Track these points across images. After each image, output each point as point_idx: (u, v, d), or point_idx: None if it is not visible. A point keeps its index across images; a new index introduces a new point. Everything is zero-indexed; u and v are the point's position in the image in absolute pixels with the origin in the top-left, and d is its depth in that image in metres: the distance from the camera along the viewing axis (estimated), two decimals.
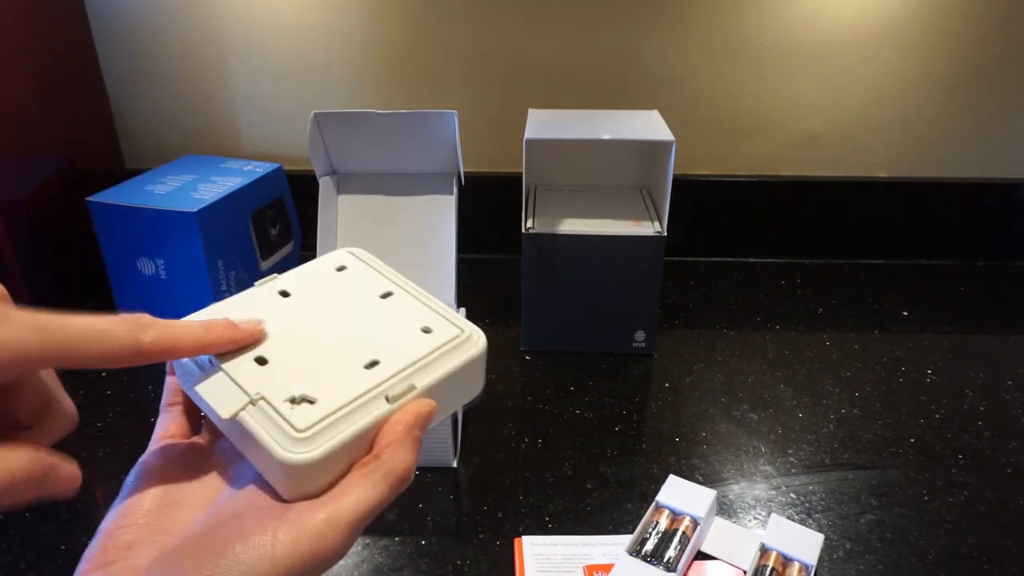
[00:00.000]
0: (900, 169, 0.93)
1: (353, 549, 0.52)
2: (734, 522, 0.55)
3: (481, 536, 0.54)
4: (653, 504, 0.54)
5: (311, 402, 0.29)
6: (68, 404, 0.28)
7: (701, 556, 0.52)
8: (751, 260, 0.95)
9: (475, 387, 0.35)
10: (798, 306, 0.85)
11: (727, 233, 0.95)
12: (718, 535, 0.53)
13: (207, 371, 0.30)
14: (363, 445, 0.29)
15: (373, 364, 0.31)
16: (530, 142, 0.69)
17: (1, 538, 0.53)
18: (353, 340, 0.33)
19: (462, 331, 0.33)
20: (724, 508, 0.57)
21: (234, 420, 0.29)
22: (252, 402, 0.29)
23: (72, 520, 0.55)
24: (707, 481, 0.59)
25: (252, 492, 0.29)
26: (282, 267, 0.89)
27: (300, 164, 0.90)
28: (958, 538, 0.54)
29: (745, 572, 0.50)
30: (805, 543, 0.51)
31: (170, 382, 0.34)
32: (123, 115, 0.91)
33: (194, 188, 0.78)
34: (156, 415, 0.34)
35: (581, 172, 0.82)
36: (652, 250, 0.70)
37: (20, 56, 0.73)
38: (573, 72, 0.88)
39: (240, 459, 0.31)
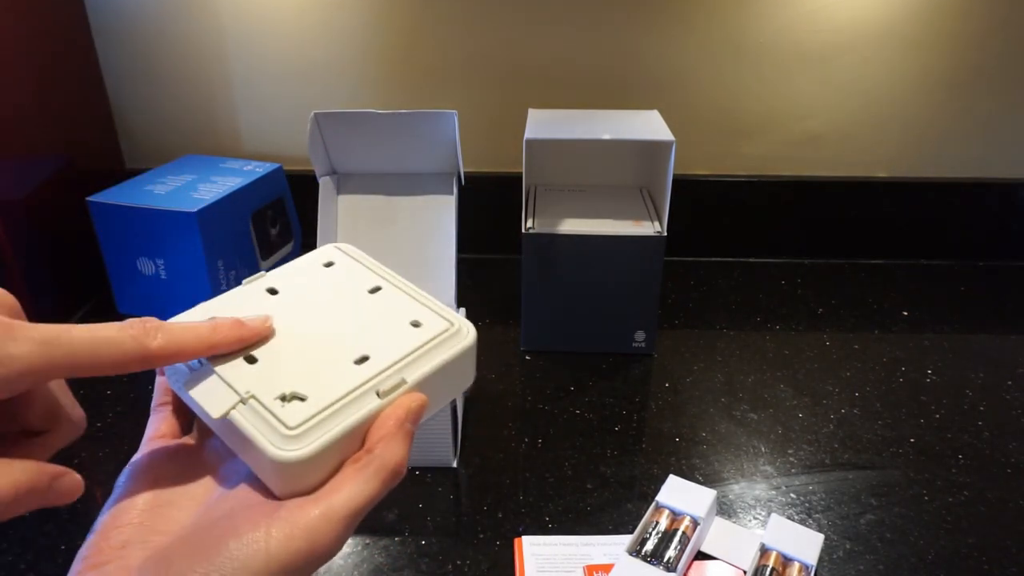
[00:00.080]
0: (900, 169, 0.93)
1: (353, 549, 0.52)
2: (734, 522, 0.55)
3: (481, 536, 0.54)
4: (653, 504, 0.54)
5: (302, 399, 0.29)
6: (76, 410, 0.28)
7: (701, 556, 0.52)
8: (751, 260, 0.95)
9: (466, 380, 0.35)
10: (798, 306, 0.85)
11: (727, 233, 0.95)
12: (718, 535, 0.53)
13: (197, 371, 0.30)
14: (355, 441, 0.29)
15: (363, 359, 0.31)
16: (530, 142, 0.69)
17: (1, 538, 0.53)
18: (342, 336, 0.32)
19: (451, 324, 0.33)
20: (724, 508, 0.57)
21: (225, 419, 0.29)
22: (243, 401, 0.29)
23: (72, 520, 0.55)
24: (707, 481, 0.59)
25: (244, 490, 0.29)
26: None
27: (300, 164, 0.90)
28: (958, 538, 0.54)
29: (745, 572, 0.50)
30: (805, 543, 0.51)
31: (160, 382, 0.34)
32: (123, 115, 0.91)
33: (194, 188, 0.78)
34: None
35: (581, 172, 0.82)
36: (652, 250, 0.70)
37: (20, 56, 0.73)
38: (573, 72, 0.88)
39: (232, 458, 0.31)
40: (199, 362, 0.31)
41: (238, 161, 0.87)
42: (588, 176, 0.82)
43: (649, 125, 0.74)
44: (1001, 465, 0.61)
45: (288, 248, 0.90)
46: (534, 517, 0.55)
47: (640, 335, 0.74)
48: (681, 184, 0.77)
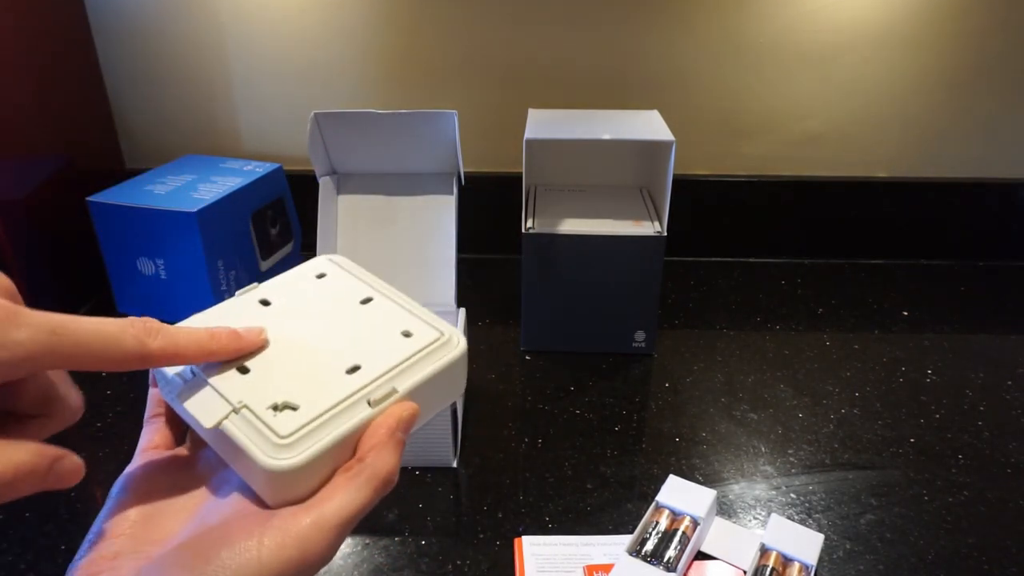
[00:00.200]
0: (900, 169, 0.93)
1: (353, 549, 0.52)
2: (734, 522, 0.55)
3: (481, 536, 0.54)
4: (653, 504, 0.54)
5: (293, 408, 0.29)
6: (73, 395, 0.28)
7: (701, 556, 0.52)
8: (751, 260, 0.95)
9: (457, 389, 0.35)
10: (798, 306, 0.85)
11: (727, 233, 0.95)
12: (718, 535, 0.53)
13: (190, 382, 0.31)
14: (346, 450, 0.29)
15: (354, 369, 0.31)
16: (530, 142, 0.69)
17: (1, 538, 0.53)
18: (334, 346, 0.33)
19: (442, 334, 0.34)
20: (724, 508, 0.57)
21: (217, 429, 0.29)
22: (235, 411, 0.29)
23: (72, 520, 0.55)
24: (707, 481, 0.59)
25: (236, 500, 0.29)
26: (282, 267, 0.89)
27: (300, 164, 0.90)
28: (958, 538, 0.54)
29: (745, 572, 0.50)
30: (805, 543, 0.51)
31: (153, 394, 0.34)
32: (123, 115, 0.91)
33: (194, 188, 0.78)
34: None
35: (581, 172, 0.82)
36: (652, 250, 0.70)
37: (20, 56, 0.73)
38: (573, 72, 0.88)
39: (224, 468, 0.31)
40: (192, 373, 0.31)
41: (238, 161, 0.87)
42: (588, 176, 0.82)
43: (649, 125, 0.74)
44: (1001, 465, 0.61)
45: (288, 248, 0.90)
46: (534, 517, 0.55)
47: (640, 335, 0.74)
48: (681, 184, 0.77)
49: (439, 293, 0.67)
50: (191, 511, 0.30)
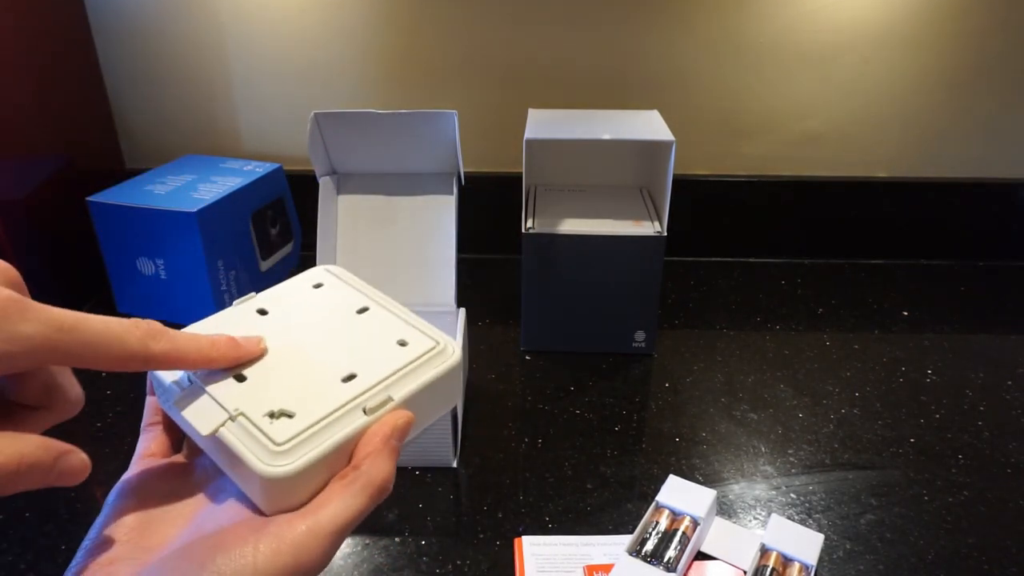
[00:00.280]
0: (900, 169, 0.93)
1: (353, 549, 0.52)
2: (734, 522, 0.55)
3: (481, 536, 0.54)
4: (653, 504, 0.54)
5: (289, 416, 0.30)
6: (74, 388, 0.28)
7: (701, 556, 0.52)
8: (751, 260, 0.95)
9: (452, 398, 0.35)
10: (798, 306, 0.85)
11: (727, 233, 0.95)
12: (718, 535, 0.53)
13: (186, 390, 0.31)
14: (342, 457, 0.30)
15: (350, 377, 0.32)
16: (530, 142, 0.69)
17: (1, 538, 0.53)
18: (330, 355, 0.33)
19: (437, 343, 0.34)
20: (724, 508, 0.57)
21: (214, 437, 0.29)
22: (231, 418, 0.29)
23: (72, 520, 0.55)
24: (707, 481, 0.59)
25: (232, 507, 0.29)
26: (282, 267, 0.89)
27: (300, 164, 0.90)
28: (958, 538, 0.54)
29: (745, 572, 0.50)
30: (805, 543, 0.51)
31: (150, 402, 0.34)
32: (123, 115, 0.91)
33: (194, 188, 0.78)
34: None
35: (581, 172, 0.82)
36: (652, 250, 0.70)
37: (20, 56, 0.73)
38: (573, 72, 0.88)
39: (221, 476, 0.31)
40: (189, 380, 0.31)
41: (238, 161, 0.87)
42: (588, 176, 0.82)
43: (649, 125, 0.74)
44: (1001, 465, 0.61)
45: (288, 248, 0.90)
46: (534, 517, 0.55)
47: (640, 335, 0.74)
48: (681, 184, 0.77)
49: (439, 293, 0.67)
50: (188, 518, 0.30)
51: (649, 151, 0.79)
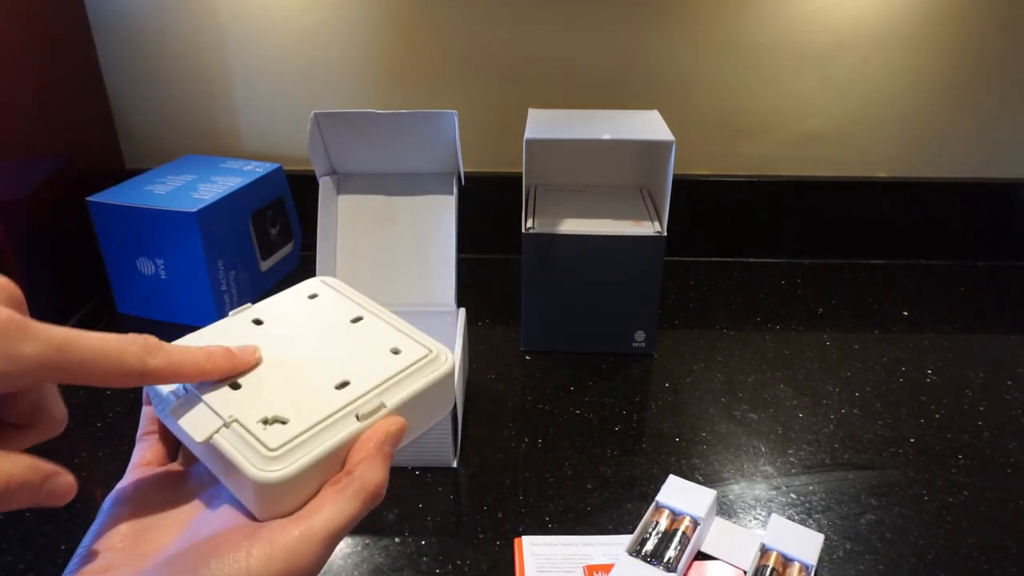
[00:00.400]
0: (900, 169, 0.93)
1: (353, 549, 0.52)
2: (734, 522, 0.55)
3: (481, 536, 0.54)
4: (653, 504, 0.54)
5: (283, 422, 0.30)
6: (59, 407, 0.28)
7: (701, 556, 0.52)
8: (751, 260, 0.95)
9: (445, 405, 0.35)
10: (798, 306, 0.85)
11: (727, 233, 0.95)
12: (718, 535, 0.53)
13: (182, 398, 0.31)
14: (335, 463, 0.30)
15: (344, 385, 0.32)
16: (530, 142, 0.69)
17: (1, 538, 0.53)
18: (324, 363, 0.33)
19: (430, 351, 0.34)
20: (724, 508, 0.57)
21: (208, 444, 0.29)
22: (226, 425, 0.29)
23: (72, 520, 0.55)
24: (707, 481, 0.59)
25: (226, 513, 0.29)
26: (282, 267, 0.89)
27: (300, 164, 0.90)
28: (958, 538, 0.54)
29: (745, 572, 0.50)
30: (805, 543, 0.51)
31: (146, 411, 0.35)
32: (123, 115, 0.91)
33: (194, 188, 0.78)
34: None
35: (581, 172, 0.82)
36: (652, 250, 0.70)
37: (20, 56, 0.73)
38: (573, 72, 0.88)
39: (215, 484, 0.31)
40: (184, 389, 0.31)
41: (238, 161, 0.87)
42: (588, 176, 0.82)
43: (649, 125, 0.74)
44: (1001, 465, 0.61)
45: (288, 248, 0.90)
46: (534, 517, 0.55)
47: (640, 335, 0.74)
48: (681, 184, 0.77)
49: (439, 293, 0.67)
50: (182, 525, 0.30)
51: (649, 151, 0.79)
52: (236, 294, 0.80)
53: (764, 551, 0.51)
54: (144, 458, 0.33)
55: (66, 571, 0.28)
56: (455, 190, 0.68)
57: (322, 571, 0.50)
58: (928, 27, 0.85)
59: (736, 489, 0.58)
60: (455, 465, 0.60)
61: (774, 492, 0.58)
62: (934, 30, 0.85)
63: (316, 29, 0.86)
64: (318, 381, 0.32)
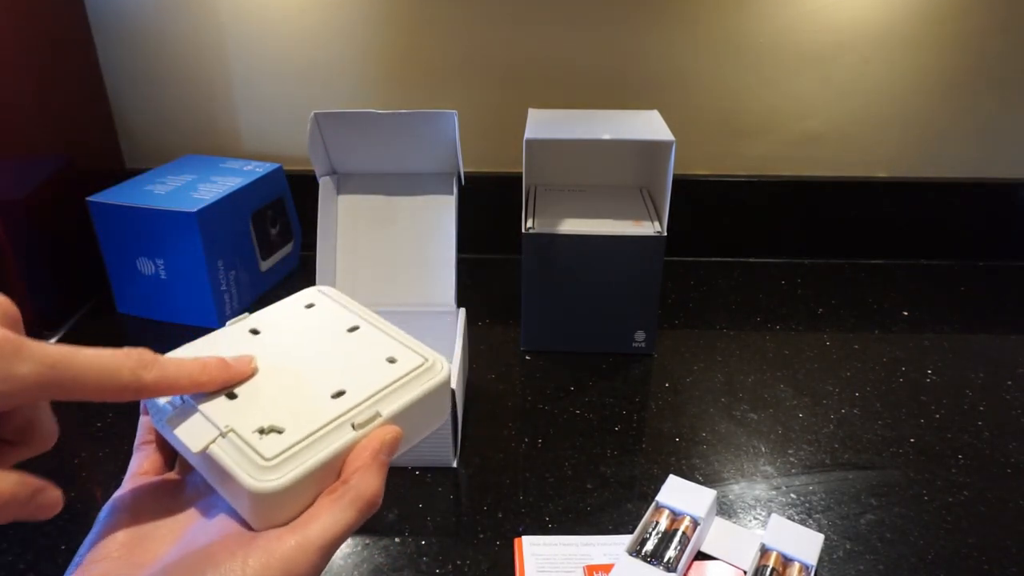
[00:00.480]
0: (900, 169, 0.93)
1: (353, 549, 0.52)
2: (734, 522, 0.55)
3: (481, 536, 0.54)
4: (653, 504, 0.54)
5: (279, 432, 0.30)
6: (51, 424, 0.28)
7: (701, 556, 0.52)
8: (751, 260, 0.95)
9: (441, 414, 0.36)
10: (798, 306, 0.85)
11: (727, 233, 0.95)
12: (718, 535, 0.53)
13: (178, 408, 0.31)
14: (330, 472, 0.30)
15: (339, 394, 0.32)
16: (530, 142, 0.69)
17: (1, 538, 0.53)
18: (320, 372, 0.33)
19: (426, 360, 0.34)
20: (724, 508, 0.57)
21: (204, 454, 0.29)
22: (222, 435, 0.29)
23: (72, 520, 0.55)
24: (707, 481, 0.59)
25: (223, 522, 0.29)
26: (282, 267, 0.89)
27: (300, 164, 0.90)
28: (958, 538, 0.54)
29: (745, 572, 0.50)
30: (805, 543, 0.51)
31: (144, 421, 0.35)
32: (123, 115, 0.91)
33: (194, 188, 0.78)
34: None
35: (581, 172, 0.82)
36: (652, 250, 0.70)
37: (20, 56, 0.73)
38: (573, 72, 0.88)
39: (212, 493, 0.32)
40: (180, 399, 0.31)
41: (238, 161, 0.87)
42: (588, 176, 0.82)
43: (649, 125, 0.74)
44: (1001, 465, 0.61)
45: (288, 248, 0.90)
46: (534, 517, 0.55)
47: (640, 335, 0.74)
48: (681, 184, 0.77)
49: (439, 293, 0.67)
50: (178, 534, 0.30)
51: (649, 151, 0.79)
52: (236, 294, 0.80)
53: (764, 551, 0.51)
54: (141, 467, 0.33)
55: None
56: (455, 190, 0.68)
57: (322, 572, 0.50)
58: (928, 27, 0.85)
59: (736, 489, 0.58)
60: (455, 465, 0.60)
61: (774, 492, 0.58)
62: (934, 30, 0.85)
63: (316, 29, 0.86)
64: (314, 390, 0.32)
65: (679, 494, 0.54)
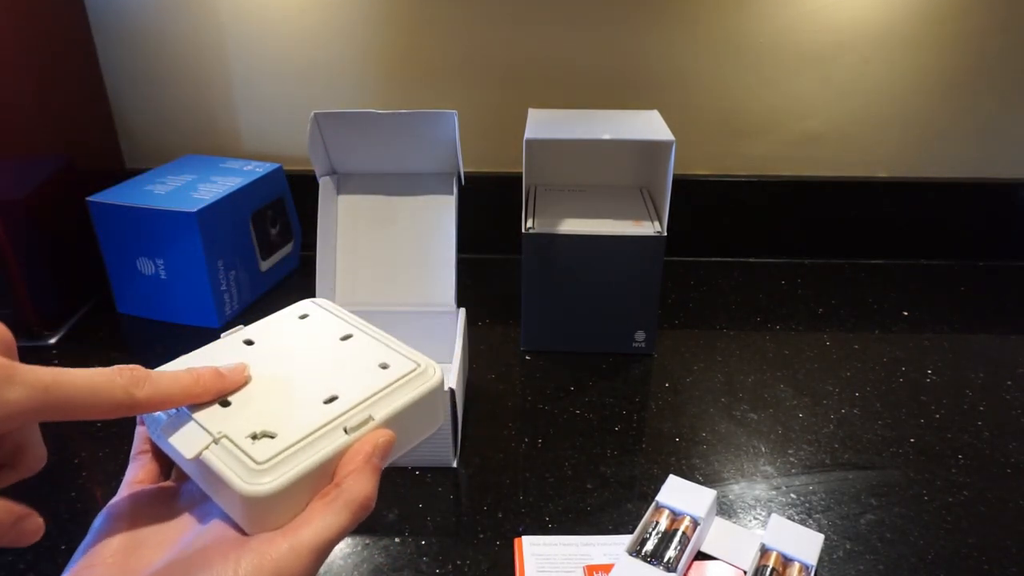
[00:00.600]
0: (900, 169, 0.93)
1: (353, 549, 0.52)
2: (734, 522, 0.55)
3: (481, 536, 0.54)
4: (653, 504, 0.54)
5: (271, 437, 0.30)
6: (40, 447, 0.29)
7: (701, 556, 0.52)
8: (751, 260, 0.95)
9: (435, 419, 0.36)
10: (798, 306, 0.85)
11: (727, 233, 0.95)
12: (718, 535, 0.53)
13: (172, 417, 0.31)
14: (323, 476, 0.30)
15: (332, 399, 0.32)
16: (530, 142, 0.69)
17: None
18: (313, 379, 0.34)
19: (418, 365, 0.35)
20: (724, 508, 0.57)
21: (198, 461, 0.29)
22: (215, 441, 0.30)
23: (72, 520, 0.55)
24: (707, 481, 0.59)
25: (216, 528, 0.29)
26: (282, 267, 0.89)
27: (300, 164, 0.90)
28: (958, 538, 0.54)
29: (745, 572, 0.50)
30: (805, 543, 0.51)
31: (140, 431, 0.35)
32: (123, 115, 0.91)
33: (194, 188, 0.78)
34: None
35: (581, 172, 0.82)
36: (652, 250, 0.70)
37: (20, 56, 0.73)
38: (573, 72, 0.88)
39: (207, 501, 0.32)
40: (176, 409, 0.32)
41: (238, 161, 0.87)
42: (588, 176, 0.82)
43: (649, 125, 0.74)
44: (1001, 465, 0.61)
45: (288, 248, 0.90)
46: (534, 517, 0.55)
47: (640, 335, 0.74)
48: (681, 184, 0.77)
49: (439, 293, 0.67)
50: (173, 541, 0.30)
51: (649, 151, 0.79)
52: (236, 294, 0.80)
53: (764, 551, 0.51)
54: (137, 476, 0.33)
55: None
56: (455, 190, 0.68)
57: (322, 571, 0.50)
58: (928, 27, 0.85)
59: (736, 489, 0.58)
60: (455, 465, 0.60)
61: (774, 492, 0.58)
62: (934, 30, 0.85)
63: (316, 29, 0.86)
64: (307, 396, 0.32)
65: (679, 494, 0.54)
